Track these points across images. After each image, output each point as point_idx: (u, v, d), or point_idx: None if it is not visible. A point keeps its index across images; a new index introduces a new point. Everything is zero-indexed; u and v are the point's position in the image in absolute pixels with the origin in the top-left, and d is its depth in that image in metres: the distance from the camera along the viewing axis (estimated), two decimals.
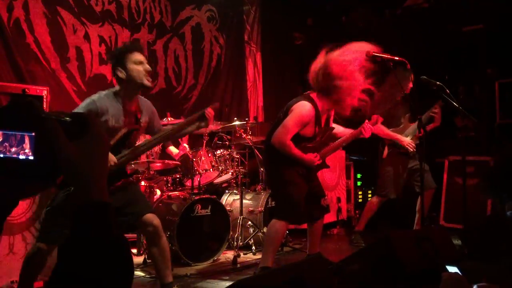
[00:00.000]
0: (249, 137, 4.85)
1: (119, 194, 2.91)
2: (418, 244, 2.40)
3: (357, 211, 6.08)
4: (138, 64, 2.93)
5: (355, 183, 6.12)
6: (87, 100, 2.90)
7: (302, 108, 3.36)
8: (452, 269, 2.07)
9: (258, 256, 4.50)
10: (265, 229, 4.78)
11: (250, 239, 4.61)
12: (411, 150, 4.65)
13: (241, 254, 4.43)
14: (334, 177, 5.79)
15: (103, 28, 5.20)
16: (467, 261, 3.02)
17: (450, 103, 4.30)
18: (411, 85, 4.51)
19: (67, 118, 1.47)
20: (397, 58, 3.43)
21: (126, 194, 2.97)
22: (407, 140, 4.66)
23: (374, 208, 4.89)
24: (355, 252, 2.62)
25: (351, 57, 3.28)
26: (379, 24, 6.46)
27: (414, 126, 4.67)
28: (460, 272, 2.07)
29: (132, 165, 4.06)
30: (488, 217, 4.59)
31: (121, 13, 5.36)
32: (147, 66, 2.97)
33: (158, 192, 4.70)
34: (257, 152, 5.06)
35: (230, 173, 4.80)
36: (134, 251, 4.36)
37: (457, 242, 4.10)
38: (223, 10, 6.52)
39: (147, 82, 2.95)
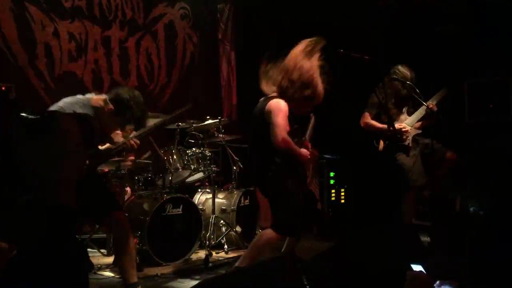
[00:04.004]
0: (221, 135, 4.83)
1: (87, 188, 2.85)
2: (383, 242, 2.42)
3: (329, 210, 6.10)
4: (119, 125, 2.99)
5: (328, 182, 6.14)
6: (60, 108, 2.84)
7: (280, 103, 3.31)
8: (417, 267, 2.08)
9: (231, 255, 4.48)
10: (237, 228, 4.77)
11: (222, 238, 4.59)
12: (404, 138, 4.51)
13: (213, 253, 4.41)
14: (307, 175, 5.81)
15: (73, 24, 5.10)
16: (434, 257, 3.06)
17: (419, 102, 4.39)
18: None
19: (32, 116, 1.42)
20: (366, 57, 3.47)
21: (94, 189, 2.92)
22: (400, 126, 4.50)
23: (413, 202, 4.70)
24: (325, 250, 2.62)
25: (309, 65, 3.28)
26: (352, 23, 6.50)
27: (411, 118, 4.59)
28: (425, 270, 2.09)
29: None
30: (456, 214, 4.67)
31: (92, 9, 5.27)
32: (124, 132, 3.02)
33: (129, 191, 4.64)
34: (230, 151, 5.04)
35: (202, 172, 4.76)
36: (104, 251, 4.30)
37: (426, 239, 4.18)
38: (197, 8, 6.48)
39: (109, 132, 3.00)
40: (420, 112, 4.54)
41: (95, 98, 2.97)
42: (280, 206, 3.36)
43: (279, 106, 3.29)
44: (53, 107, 2.87)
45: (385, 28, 6.24)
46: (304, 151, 3.40)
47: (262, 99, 3.45)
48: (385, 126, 4.41)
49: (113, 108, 2.92)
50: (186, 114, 3.42)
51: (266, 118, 3.29)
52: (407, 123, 4.58)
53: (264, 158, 3.36)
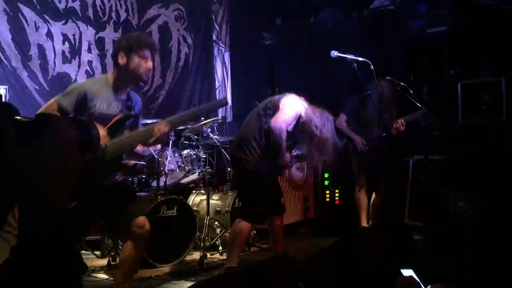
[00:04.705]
0: (216, 137, 4.82)
1: (113, 191, 2.84)
2: (379, 243, 2.43)
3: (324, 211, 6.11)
4: (142, 59, 2.88)
5: (323, 183, 6.15)
6: (75, 83, 2.90)
7: (299, 104, 3.47)
8: (408, 272, 2.08)
9: (225, 256, 4.47)
10: None
11: (217, 240, 4.58)
12: (359, 148, 4.87)
13: (208, 254, 4.41)
14: (301, 176, 5.82)
15: (67, 26, 5.09)
16: (428, 258, 3.07)
17: (413, 103, 4.41)
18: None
19: (25, 119, 1.40)
20: (360, 59, 3.49)
21: (120, 192, 2.91)
22: (357, 139, 4.86)
23: (362, 200, 5.00)
24: (319, 251, 2.62)
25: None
26: (346, 25, 6.53)
27: (376, 130, 4.82)
28: (417, 272, 2.09)
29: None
30: (451, 215, 4.69)
31: (86, 10, 5.25)
32: (150, 64, 2.93)
33: None
34: (225, 152, 5.04)
35: (197, 173, 4.76)
36: (98, 253, 4.28)
37: (420, 239, 4.19)
38: (191, 9, 6.47)
39: (144, 76, 2.94)
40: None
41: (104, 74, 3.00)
42: (250, 196, 3.55)
43: (296, 105, 3.46)
44: (73, 84, 2.91)
45: (379, 29, 6.26)
46: (288, 155, 3.49)
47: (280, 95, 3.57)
48: (354, 135, 4.85)
49: (125, 59, 2.85)
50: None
51: (274, 108, 3.42)
52: (372, 135, 4.83)
53: (250, 141, 3.49)
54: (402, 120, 4.63)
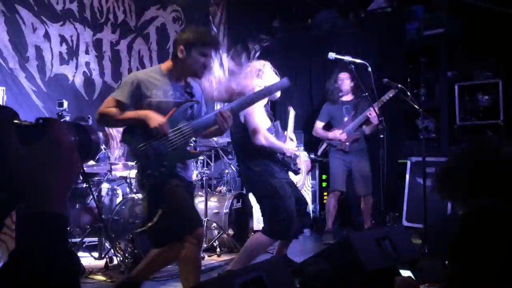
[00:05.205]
0: (214, 138, 4.82)
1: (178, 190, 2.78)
2: (378, 244, 2.43)
3: (322, 212, 6.13)
4: (201, 56, 2.84)
5: (320, 185, 6.16)
6: (129, 75, 2.92)
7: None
8: (406, 272, 2.08)
9: (223, 258, 4.48)
10: (230, 231, 4.76)
11: (214, 241, 4.58)
12: (341, 142, 5.04)
13: (206, 256, 4.40)
14: (299, 178, 5.82)
15: (64, 27, 5.07)
16: (426, 260, 3.07)
17: (410, 105, 4.42)
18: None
19: (24, 122, 1.38)
20: (358, 60, 3.49)
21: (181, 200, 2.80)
22: (335, 135, 5.06)
23: (332, 205, 5.10)
24: (317, 253, 2.62)
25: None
26: (343, 27, 6.54)
27: (353, 123, 5.03)
28: (415, 274, 2.09)
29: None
30: (448, 216, 4.70)
31: (83, 12, 5.24)
32: (208, 62, 2.88)
33: (121, 194, 4.62)
34: (222, 154, 5.04)
35: (195, 175, 4.75)
36: (95, 254, 4.27)
37: (418, 241, 4.20)
38: (189, 11, 6.47)
39: (199, 73, 2.89)
40: (364, 116, 4.90)
41: (160, 64, 2.98)
42: (270, 209, 3.31)
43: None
44: (126, 77, 2.96)
45: (377, 31, 6.27)
46: (288, 145, 3.40)
47: None
48: (328, 133, 5.11)
49: (184, 54, 2.82)
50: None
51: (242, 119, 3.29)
52: (348, 128, 5.03)
53: (249, 159, 3.34)
54: (373, 108, 4.63)
